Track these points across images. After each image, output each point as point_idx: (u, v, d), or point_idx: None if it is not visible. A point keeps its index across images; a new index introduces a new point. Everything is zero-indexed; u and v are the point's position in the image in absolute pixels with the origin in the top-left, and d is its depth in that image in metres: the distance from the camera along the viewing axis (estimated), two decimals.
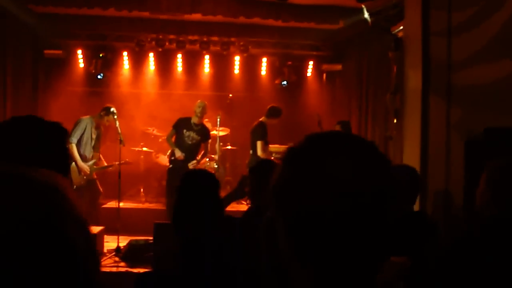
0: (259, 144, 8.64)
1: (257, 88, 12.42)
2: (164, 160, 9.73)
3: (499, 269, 2.30)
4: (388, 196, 1.06)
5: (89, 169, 8.25)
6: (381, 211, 1.05)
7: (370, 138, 9.68)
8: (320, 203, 1.05)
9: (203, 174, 3.07)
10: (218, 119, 9.01)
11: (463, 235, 2.48)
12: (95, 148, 8.54)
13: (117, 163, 8.40)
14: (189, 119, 8.72)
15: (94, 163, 8.46)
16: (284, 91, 12.33)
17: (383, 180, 1.07)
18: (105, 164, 8.84)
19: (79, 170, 8.13)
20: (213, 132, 10.82)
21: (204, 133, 8.77)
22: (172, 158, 8.65)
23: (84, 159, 8.28)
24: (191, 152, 8.61)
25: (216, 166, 10.16)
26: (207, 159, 10.77)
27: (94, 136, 8.46)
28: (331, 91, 12.36)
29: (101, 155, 8.72)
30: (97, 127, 8.55)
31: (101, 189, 8.67)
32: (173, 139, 8.79)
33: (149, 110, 11.14)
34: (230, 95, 10.34)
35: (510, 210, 2.38)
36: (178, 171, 8.45)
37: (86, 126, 8.31)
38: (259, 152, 8.67)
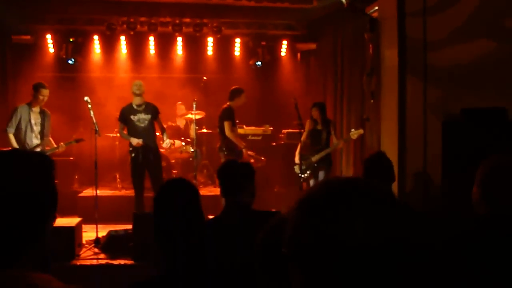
0: (226, 124, 8.69)
1: (232, 70, 12.35)
2: (133, 140, 9.60)
3: (491, 268, 2.30)
4: (408, 253, 1.03)
5: None
6: (398, 268, 1.03)
7: (346, 120, 9.69)
8: (342, 264, 1.05)
9: (181, 185, 2.99)
10: (194, 104, 8.90)
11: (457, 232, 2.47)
12: (42, 133, 8.22)
13: (62, 143, 8.16)
14: (129, 104, 8.58)
15: (40, 149, 8.06)
16: (259, 71, 12.28)
17: (404, 239, 1.05)
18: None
19: None
20: (189, 116, 10.76)
21: (151, 109, 8.58)
22: (131, 148, 8.49)
23: (25, 146, 7.98)
24: (148, 133, 8.49)
25: (192, 150, 10.09)
26: (183, 143, 10.71)
27: (35, 122, 8.14)
28: (306, 71, 12.33)
29: (51, 139, 8.45)
30: (41, 112, 8.23)
31: None
32: (125, 132, 8.62)
33: (122, 94, 10.92)
34: (204, 77, 10.23)
35: (501, 209, 2.38)
36: (140, 157, 8.36)
37: (21, 114, 8.05)
38: (227, 132, 8.70)
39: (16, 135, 8.05)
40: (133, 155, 8.41)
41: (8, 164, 1.60)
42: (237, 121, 9.61)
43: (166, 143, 8.61)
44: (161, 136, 8.77)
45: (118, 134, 10.66)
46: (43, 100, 8.12)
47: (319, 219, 1.06)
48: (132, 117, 8.47)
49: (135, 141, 8.37)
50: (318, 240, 1.06)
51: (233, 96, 8.92)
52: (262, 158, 9.79)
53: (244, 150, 8.72)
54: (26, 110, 8.11)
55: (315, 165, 8.53)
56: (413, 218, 1.08)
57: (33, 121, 8.13)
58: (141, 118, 8.48)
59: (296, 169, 8.62)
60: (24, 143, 8.04)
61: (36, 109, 8.19)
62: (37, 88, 8.11)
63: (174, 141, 8.93)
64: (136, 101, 8.48)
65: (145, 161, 8.38)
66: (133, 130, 8.48)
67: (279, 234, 1.24)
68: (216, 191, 9.09)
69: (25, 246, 1.57)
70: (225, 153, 8.68)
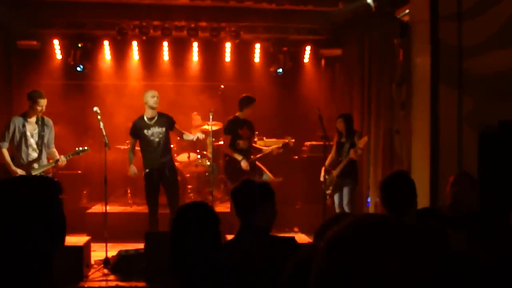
0: (224, 139, 9.04)
1: (251, 77, 12.41)
2: (130, 169, 9.65)
3: None
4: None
5: (23, 172, 7.78)
6: None
7: (374, 132, 9.68)
8: None
9: (200, 210, 3.03)
10: (211, 115, 8.96)
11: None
12: (41, 145, 8.00)
13: (62, 156, 7.95)
14: (141, 117, 8.53)
15: (37, 163, 7.97)
16: (280, 79, 12.34)
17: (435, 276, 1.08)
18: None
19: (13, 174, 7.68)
20: (205, 127, 10.80)
21: (165, 121, 8.56)
22: (149, 168, 8.49)
23: (20, 162, 7.86)
24: (164, 148, 8.49)
25: (208, 164, 10.15)
26: (199, 156, 10.76)
27: (31, 133, 7.95)
28: (330, 79, 12.36)
29: (55, 151, 8.34)
30: (39, 121, 8.03)
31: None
32: (138, 147, 8.63)
33: (133, 103, 11.03)
34: (222, 85, 10.30)
35: None
36: (155, 173, 8.39)
37: (14, 126, 7.85)
38: (224, 147, 9.07)
39: (12, 149, 7.90)
40: (147, 170, 8.43)
41: (10, 194, 1.64)
42: (257, 132, 9.64)
43: (196, 135, 8.63)
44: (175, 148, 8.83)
45: (128, 147, 10.78)
46: (41, 110, 7.93)
47: (347, 265, 1.09)
48: (145, 131, 8.43)
49: (130, 171, 8.49)
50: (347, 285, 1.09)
51: (242, 105, 9.01)
52: (272, 177, 9.75)
53: (242, 163, 8.77)
54: (20, 121, 7.89)
55: (338, 180, 8.54)
56: (446, 255, 1.10)
57: (28, 133, 7.92)
58: (155, 132, 8.44)
59: (323, 185, 8.66)
60: (20, 158, 7.89)
61: (32, 119, 7.97)
62: (33, 97, 7.86)
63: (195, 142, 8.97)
64: (148, 113, 8.47)
65: (160, 177, 8.41)
66: (147, 146, 8.46)
67: (305, 271, 1.27)
68: None
69: (33, 274, 1.62)
70: (227, 176, 9.08)
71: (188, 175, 10.94)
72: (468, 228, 3.52)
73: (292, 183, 10.67)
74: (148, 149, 8.43)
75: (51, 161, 8.15)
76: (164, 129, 8.46)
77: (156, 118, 8.46)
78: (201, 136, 8.63)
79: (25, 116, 7.97)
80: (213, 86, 11.39)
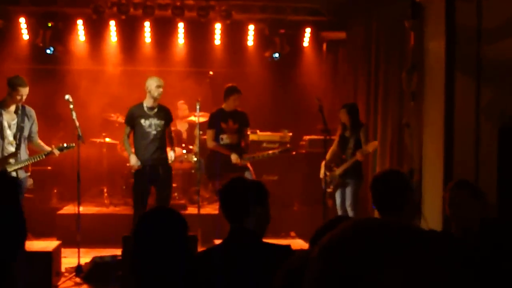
0: (207, 133, 9.11)
1: (243, 63, 12.38)
2: (132, 159, 9.64)
3: None
4: None
5: None
6: None
7: (381, 126, 9.66)
8: None
9: (163, 215, 3.01)
10: (198, 105, 8.94)
11: None
12: (20, 137, 7.87)
13: (54, 146, 8.01)
14: (141, 105, 8.52)
15: (14, 158, 7.81)
16: (276, 65, 12.32)
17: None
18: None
19: None
20: (192, 118, 10.77)
21: (165, 114, 8.61)
22: (142, 162, 8.47)
23: None
24: (160, 143, 8.48)
25: (195, 159, 10.12)
26: (184, 151, 10.74)
27: (8, 124, 7.83)
28: (333, 65, 12.34)
29: (42, 143, 8.27)
30: (19, 110, 7.92)
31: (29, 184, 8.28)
32: (131, 139, 8.60)
33: (111, 92, 11.03)
34: (211, 72, 10.26)
35: None
36: (148, 170, 8.37)
37: None
38: (208, 142, 9.14)
39: None
40: (139, 164, 8.39)
41: None
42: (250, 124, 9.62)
43: (170, 156, 8.62)
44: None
45: (106, 140, 10.74)
46: (21, 100, 7.85)
47: (344, 274, 1.07)
48: (142, 121, 8.43)
49: (132, 161, 8.41)
50: None
51: (224, 96, 9.10)
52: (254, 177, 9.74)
53: (232, 156, 8.82)
54: None
55: (341, 178, 8.55)
56: (459, 261, 1.09)
57: (5, 123, 7.81)
58: (154, 124, 8.44)
59: (322, 182, 8.64)
60: None
61: (11, 109, 7.88)
62: (14, 85, 7.76)
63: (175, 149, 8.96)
64: (149, 102, 8.50)
65: (153, 175, 8.40)
66: (141, 138, 8.44)
67: (298, 282, 1.25)
68: None
69: None
70: (206, 172, 9.31)
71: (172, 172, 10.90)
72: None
73: (289, 182, 10.66)
74: (142, 142, 8.42)
75: (40, 152, 8.10)
76: (163, 122, 8.51)
77: (156, 109, 8.49)
78: (171, 159, 8.65)
79: (2, 105, 7.87)
80: (200, 72, 11.36)
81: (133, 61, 12.00)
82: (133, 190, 8.52)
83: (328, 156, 8.63)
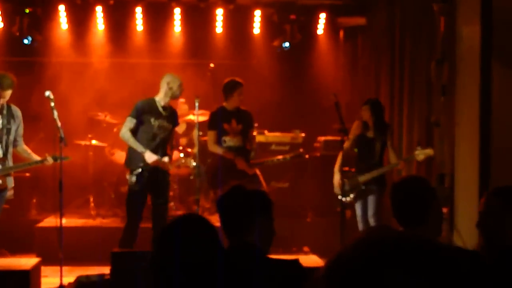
0: (208, 135, 9.07)
1: (248, 54, 12.39)
2: (121, 157, 9.65)
3: None
4: None
5: None
6: None
7: (406, 124, 9.63)
8: None
9: (195, 225, 2.97)
10: (197, 103, 8.91)
11: None
12: (4, 141, 7.88)
13: (49, 156, 7.97)
14: (153, 101, 8.47)
15: (0, 164, 7.84)
16: (286, 56, 12.30)
17: None
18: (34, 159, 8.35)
19: None
20: (190, 118, 10.76)
21: (174, 118, 8.64)
22: (141, 166, 8.39)
23: None
24: (164, 148, 8.49)
25: (194, 164, 10.10)
26: (182, 155, 10.72)
27: None
28: (351, 56, 12.34)
29: (25, 147, 8.28)
30: (1, 112, 7.94)
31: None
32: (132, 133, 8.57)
33: (98, 87, 11.04)
34: (212, 64, 10.27)
35: None
36: (146, 176, 8.33)
37: None
38: (209, 145, 9.08)
39: None
40: (139, 170, 8.34)
41: None
42: (256, 124, 9.61)
43: (163, 159, 8.53)
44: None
45: (93, 142, 10.72)
46: (5, 98, 7.90)
47: None
48: (152, 120, 8.36)
49: (152, 158, 8.27)
50: None
51: (225, 93, 9.07)
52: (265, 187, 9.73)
53: (237, 161, 8.80)
54: None
55: (363, 187, 8.48)
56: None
57: None
58: (164, 126, 8.38)
59: (337, 189, 8.57)
60: None
61: None
62: (0, 83, 7.82)
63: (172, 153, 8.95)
64: (165, 100, 8.44)
65: (151, 182, 8.37)
66: (146, 139, 8.38)
67: None
68: None
69: None
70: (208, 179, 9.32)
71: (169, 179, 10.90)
72: None
73: (301, 190, 10.63)
74: (147, 144, 8.36)
75: (30, 161, 8.11)
76: (171, 126, 8.53)
77: (168, 110, 8.47)
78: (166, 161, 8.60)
79: None
80: (200, 65, 11.37)
81: (123, 52, 11.98)
82: (128, 197, 8.45)
83: (339, 159, 8.55)
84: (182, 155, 10.76)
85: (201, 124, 9.37)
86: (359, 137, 8.62)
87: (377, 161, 8.47)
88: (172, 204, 10.63)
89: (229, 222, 3.71)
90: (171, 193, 10.64)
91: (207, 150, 9.33)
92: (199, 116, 9.17)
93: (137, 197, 8.35)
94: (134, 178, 8.34)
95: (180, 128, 11.45)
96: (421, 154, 8.13)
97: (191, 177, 10.67)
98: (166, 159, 8.47)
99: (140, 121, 8.36)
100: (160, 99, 8.43)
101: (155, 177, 8.36)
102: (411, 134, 9.45)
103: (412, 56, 9.66)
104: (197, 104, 8.97)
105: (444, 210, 8.01)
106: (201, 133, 9.52)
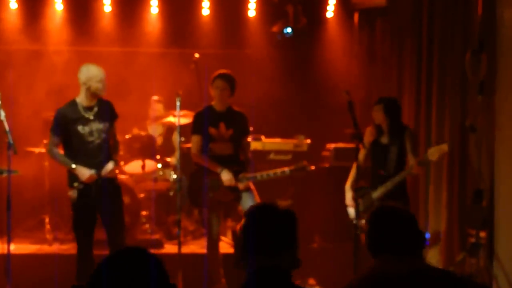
0: (191, 141, 9.03)
1: (242, 42, 12.47)
2: (83, 173, 9.61)
3: None
4: None
5: None
6: None
7: (435, 129, 9.63)
8: None
9: (136, 260, 3.00)
10: (178, 101, 8.90)
11: None
12: None
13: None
14: (73, 105, 8.36)
15: None
16: (288, 44, 12.32)
17: None
18: None
19: None
20: (169, 120, 10.74)
21: (107, 112, 8.42)
22: (76, 184, 8.37)
23: None
24: (106, 153, 8.40)
25: (174, 177, 10.08)
26: (159, 165, 10.70)
27: None
28: (368, 44, 12.32)
29: None
30: None
31: None
32: (61, 150, 8.52)
33: (56, 82, 11.02)
34: (196, 54, 10.25)
35: None
36: (91, 192, 8.30)
37: None
38: (192, 153, 9.04)
39: None
40: (79, 186, 8.31)
41: None
42: (251, 129, 9.61)
43: (106, 166, 8.47)
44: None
45: (46, 151, 10.71)
46: None
47: None
48: (80, 128, 8.28)
49: (85, 175, 8.26)
50: None
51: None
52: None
53: (223, 175, 8.76)
54: None
55: (379, 204, 8.46)
56: None
57: None
58: (96, 130, 8.31)
59: (351, 211, 8.58)
60: None
61: None
62: None
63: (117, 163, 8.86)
64: (86, 100, 8.33)
65: (98, 199, 8.33)
66: (79, 150, 8.29)
67: None
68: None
69: None
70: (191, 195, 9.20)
71: (142, 195, 10.89)
72: None
73: (307, 209, 10.59)
74: (82, 154, 8.32)
75: None
76: (107, 124, 8.38)
77: (96, 108, 8.37)
78: (107, 170, 8.54)
79: None
80: (182, 54, 11.38)
81: (87, 39, 12.01)
82: (74, 219, 8.40)
83: (353, 172, 8.54)
84: (159, 165, 10.75)
85: (183, 127, 9.35)
86: (372, 144, 8.62)
87: (393, 171, 8.44)
88: (147, 226, 10.63)
89: (258, 244, 3.96)
90: (144, 213, 10.65)
91: (191, 160, 9.31)
92: (180, 117, 9.14)
93: (80, 217, 8.30)
94: (75, 194, 8.30)
95: (156, 132, 11.46)
96: (434, 152, 8.10)
97: (171, 193, 10.67)
98: (110, 165, 8.39)
99: (66, 133, 8.29)
100: (81, 100, 8.32)
101: (102, 191, 8.29)
102: (441, 140, 9.43)
103: (442, 45, 9.66)
104: (178, 103, 8.94)
105: (482, 234, 8.03)
106: (183, 138, 9.52)
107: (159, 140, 11.52)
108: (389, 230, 4.32)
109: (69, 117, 8.25)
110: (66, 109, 8.31)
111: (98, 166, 8.25)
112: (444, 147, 8.12)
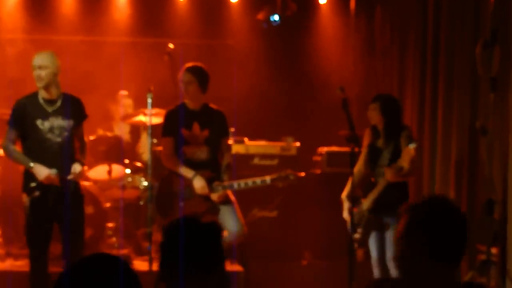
0: (162, 143, 9.10)
1: (223, 30, 12.49)
2: (41, 171, 9.58)
3: None
4: None
5: None
6: None
7: (441, 131, 9.64)
8: None
9: (104, 267, 2.98)
10: (149, 99, 8.89)
11: None
12: None
13: None
14: (32, 97, 8.33)
15: None
16: (275, 34, 12.34)
17: None
18: None
19: None
20: (139, 119, 10.73)
21: (73, 109, 8.41)
22: (32, 185, 8.35)
23: None
24: (68, 155, 8.39)
25: (145, 184, 10.07)
26: (128, 171, 10.68)
27: None
28: (366, 33, 12.35)
29: None
30: None
31: None
32: (18, 148, 8.50)
33: (10, 75, 11.01)
34: (171, 45, 10.23)
35: None
36: (48, 199, 8.27)
37: None
38: (162, 157, 9.08)
39: None
40: (35, 193, 8.29)
41: None
42: (233, 129, 9.58)
43: (73, 168, 8.45)
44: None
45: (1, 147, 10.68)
46: None
47: None
48: (39, 122, 8.25)
49: (43, 174, 8.23)
50: None
51: None
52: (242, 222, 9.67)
53: (195, 182, 8.72)
54: None
55: (372, 216, 8.43)
56: None
57: None
58: (56, 126, 8.30)
59: (348, 223, 8.57)
60: None
61: None
62: None
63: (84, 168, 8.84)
64: (45, 93, 8.33)
65: (56, 207, 8.31)
66: (39, 148, 8.31)
67: None
68: None
69: None
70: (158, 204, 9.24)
71: (108, 204, 10.85)
72: None
73: (295, 221, 10.62)
74: (40, 154, 8.30)
75: None
76: (71, 122, 8.35)
77: (59, 102, 8.34)
78: (74, 174, 8.48)
79: None
80: (155, 45, 11.39)
81: (47, 27, 12.01)
82: (26, 227, 8.36)
83: (350, 181, 8.50)
84: (128, 170, 10.72)
85: (154, 127, 9.33)
86: (369, 148, 8.59)
87: (380, 179, 8.39)
88: (113, 239, 10.61)
89: (168, 266, 3.82)
90: (111, 224, 10.62)
91: (163, 164, 9.29)
92: (152, 116, 9.13)
93: (34, 225, 8.26)
94: (28, 202, 8.27)
95: (124, 132, 11.44)
96: (405, 154, 7.93)
97: (141, 202, 10.63)
98: (78, 167, 8.35)
99: (25, 127, 8.29)
100: (41, 91, 8.28)
101: (60, 199, 8.26)
102: (448, 143, 9.45)
103: (450, 37, 9.68)
104: (149, 100, 8.94)
105: (494, 250, 8.04)
106: (155, 140, 9.51)
107: (127, 141, 11.49)
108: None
109: (28, 109, 8.25)
110: (26, 100, 8.33)
111: (58, 169, 8.23)
112: (410, 150, 7.88)
